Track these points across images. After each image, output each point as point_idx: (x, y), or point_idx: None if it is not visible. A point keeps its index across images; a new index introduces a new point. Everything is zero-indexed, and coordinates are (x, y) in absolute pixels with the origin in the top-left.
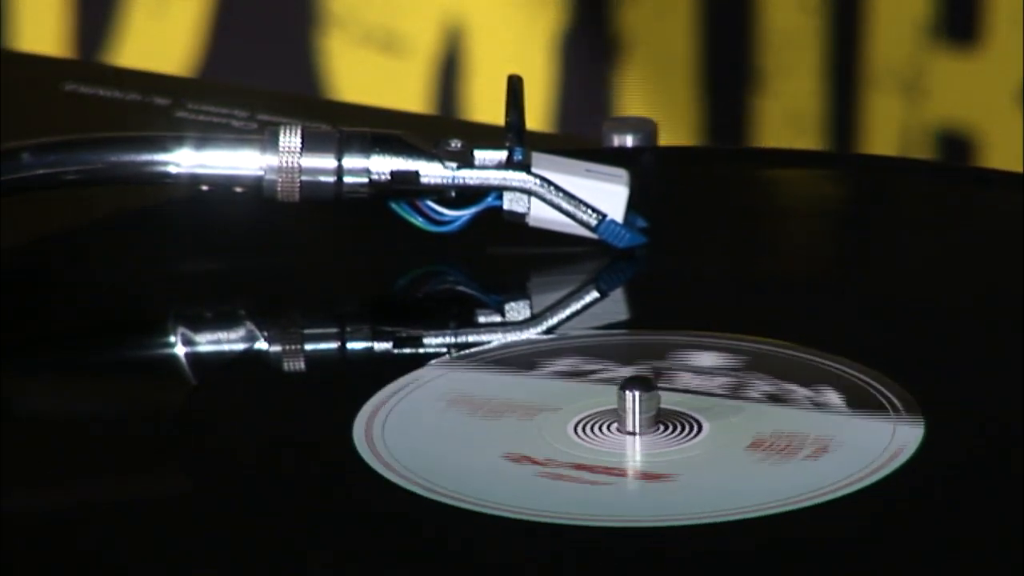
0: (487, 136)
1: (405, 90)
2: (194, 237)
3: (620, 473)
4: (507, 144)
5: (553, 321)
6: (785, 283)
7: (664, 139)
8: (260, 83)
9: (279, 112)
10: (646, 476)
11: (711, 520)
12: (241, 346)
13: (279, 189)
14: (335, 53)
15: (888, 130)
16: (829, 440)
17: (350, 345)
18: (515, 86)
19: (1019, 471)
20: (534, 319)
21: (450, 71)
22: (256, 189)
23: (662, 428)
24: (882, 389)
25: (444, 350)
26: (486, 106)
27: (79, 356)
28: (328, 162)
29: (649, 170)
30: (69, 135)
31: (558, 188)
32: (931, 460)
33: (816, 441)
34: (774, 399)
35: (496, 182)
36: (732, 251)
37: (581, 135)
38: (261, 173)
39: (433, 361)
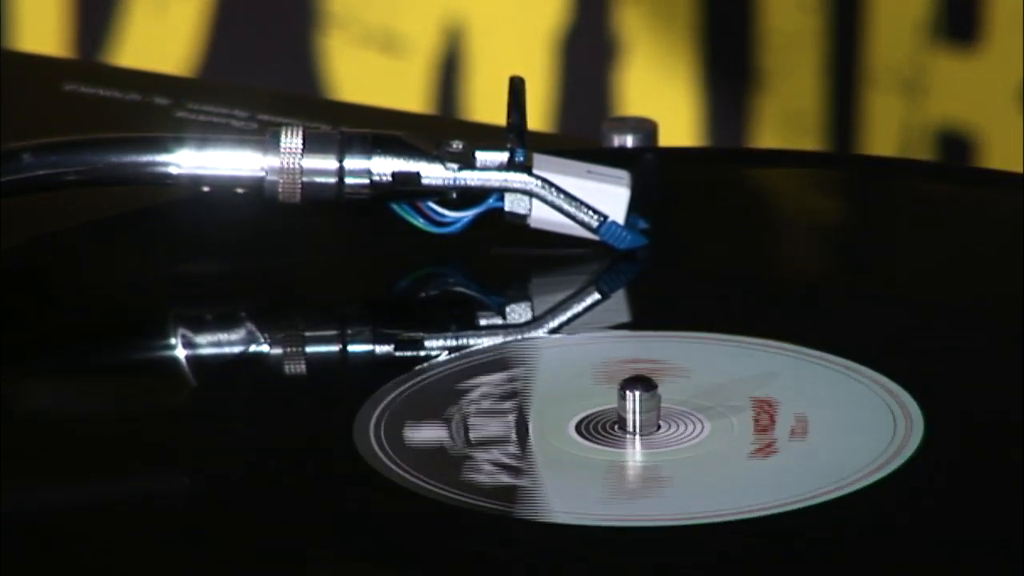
0: (487, 136)
1: (405, 90)
2: (194, 238)
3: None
4: (508, 145)
5: (554, 323)
6: (785, 283)
7: (664, 139)
8: (260, 83)
9: (279, 112)
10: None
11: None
12: (241, 347)
13: (280, 190)
14: (335, 53)
15: (888, 130)
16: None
17: (351, 346)
18: (517, 87)
19: (1019, 471)
20: (535, 320)
21: (450, 71)
22: (257, 190)
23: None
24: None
25: (444, 351)
26: (486, 106)
27: (79, 356)
28: (329, 163)
29: (649, 170)
30: (69, 135)
31: (559, 189)
32: (931, 460)
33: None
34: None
35: (497, 183)
36: (732, 252)
37: (581, 135)
38: (262, 174)
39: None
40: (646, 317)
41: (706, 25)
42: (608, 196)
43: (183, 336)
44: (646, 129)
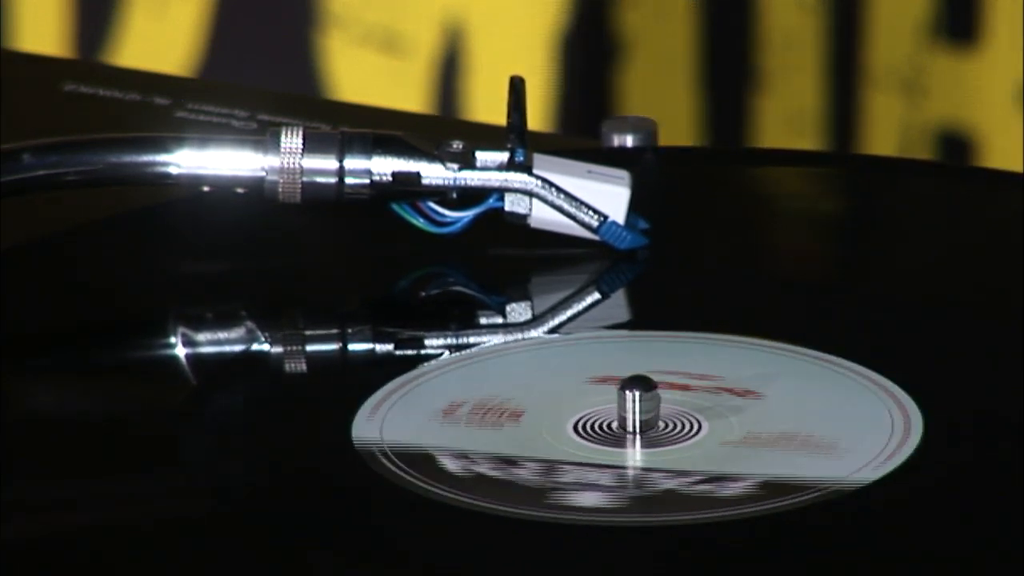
0: (487, 136)
1: (405, 90)
2: (194, 237)
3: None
4: (509, 145)
5: (554, 322)
6: (785, 283)
7: (664, 139)
8: (260, 83)
9: (279, 112)
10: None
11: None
12: (241, 346)
13: (280, 190)
14: (335, 53)
15: (888, 130)
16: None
17: (351, 345)
18: (517, 87)
19: (1019, 471)
20: (535, 320)
21: (450, 71)
22: (257, 190)
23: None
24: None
25: (444, 350)
26: (486, 106)
27: (79, 356)
28: (330, 163)
29: (649, 170)
30: (69, 135)
31: (559, 189)
32: (930, 460)
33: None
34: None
35: (497, 183)
36: (732, 251)
37: (581, 135)
38: (263, 174)
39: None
40: (646, 317)
41: (706, 25)
42: (608, 196)
43: (183, 335)
44: (646, 129)
